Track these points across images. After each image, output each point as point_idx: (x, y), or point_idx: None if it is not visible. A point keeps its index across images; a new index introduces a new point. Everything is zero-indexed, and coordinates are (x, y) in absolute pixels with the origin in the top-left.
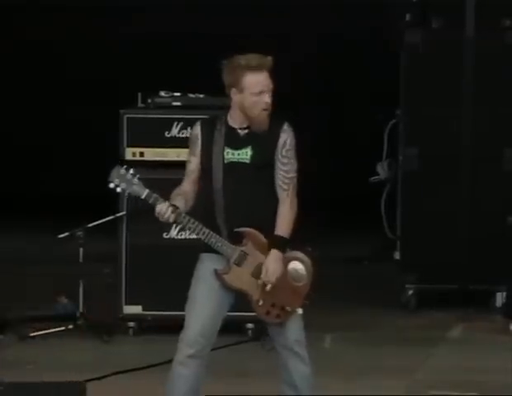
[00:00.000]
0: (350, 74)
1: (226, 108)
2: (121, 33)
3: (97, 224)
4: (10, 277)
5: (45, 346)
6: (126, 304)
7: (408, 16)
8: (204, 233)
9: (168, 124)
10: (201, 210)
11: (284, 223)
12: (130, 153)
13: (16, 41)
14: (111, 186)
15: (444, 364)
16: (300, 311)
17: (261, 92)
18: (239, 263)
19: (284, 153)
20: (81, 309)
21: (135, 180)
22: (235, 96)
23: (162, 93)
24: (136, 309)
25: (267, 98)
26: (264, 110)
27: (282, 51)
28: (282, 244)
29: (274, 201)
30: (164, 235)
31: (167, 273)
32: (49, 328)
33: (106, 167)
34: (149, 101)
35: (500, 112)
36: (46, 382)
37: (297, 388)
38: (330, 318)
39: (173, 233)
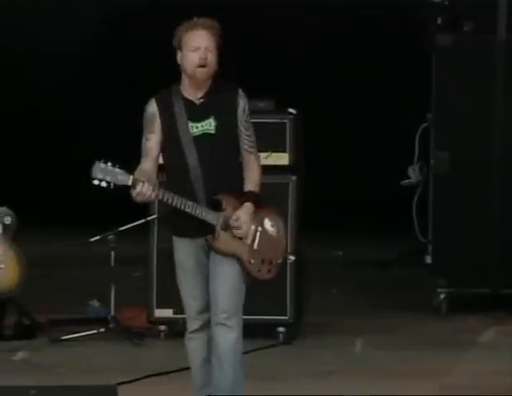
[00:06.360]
0: (381, 77)
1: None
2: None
3: (129, 228)
4: (42, 280)
5: (76, 350)
6: (157, 307)
7: (439, 20)
8: (189, 206)
9: None
10: (175, 185)
11: (255, 182)
12: None
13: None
14: (96, 182)
15: (476, 368)
16: (292, 258)
17: (196, 49)
18: (225, 228)
19: (246, 118)
20: (112, 313)
21: (117, 169)
22: (179, 59)
23: None
24: (167, 313)
25: (201, 54)
26: (199, 66)
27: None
28: (255, 198)
29: (240, 169)
30: None
31: None
32: (80, 332)
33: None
34: None
35: None
36: (78, 385)
37: (220, 360)
38: (361, 321)
39: None
